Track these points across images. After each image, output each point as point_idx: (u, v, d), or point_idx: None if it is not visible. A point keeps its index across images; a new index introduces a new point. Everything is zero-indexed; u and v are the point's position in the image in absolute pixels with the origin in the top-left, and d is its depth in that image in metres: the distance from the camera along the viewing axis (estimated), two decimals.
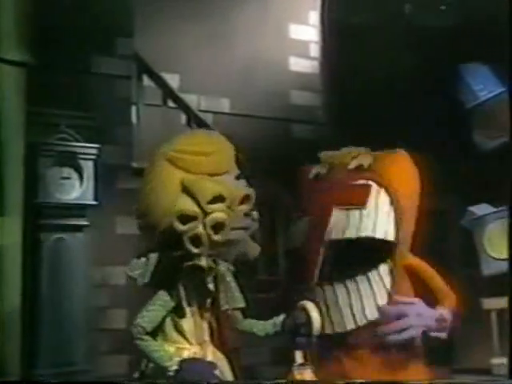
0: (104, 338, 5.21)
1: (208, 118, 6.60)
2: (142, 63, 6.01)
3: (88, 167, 5.12)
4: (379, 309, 3.27)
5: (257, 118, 6.97)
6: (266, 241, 5.84)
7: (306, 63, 7.53)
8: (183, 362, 2.75)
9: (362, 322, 3.30)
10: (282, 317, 3.07)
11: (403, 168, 3.48)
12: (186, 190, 2.79)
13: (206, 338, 2.90)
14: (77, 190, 5.09)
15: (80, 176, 5.10)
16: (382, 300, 3.30)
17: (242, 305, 2.96)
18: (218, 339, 2.92)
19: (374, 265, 3.31)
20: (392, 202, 3.34)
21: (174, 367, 2.73)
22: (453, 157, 5.23)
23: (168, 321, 2.86)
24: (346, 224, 3.30)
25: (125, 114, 5.74)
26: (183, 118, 6.34)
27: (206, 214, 2.77)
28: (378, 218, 3.30)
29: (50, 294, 4.90)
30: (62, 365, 4.82)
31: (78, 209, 5.09)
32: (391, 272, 3.33)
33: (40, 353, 4.81)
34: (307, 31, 7.57)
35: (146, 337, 2.77)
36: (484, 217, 5.98)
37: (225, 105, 7.07)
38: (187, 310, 2.86)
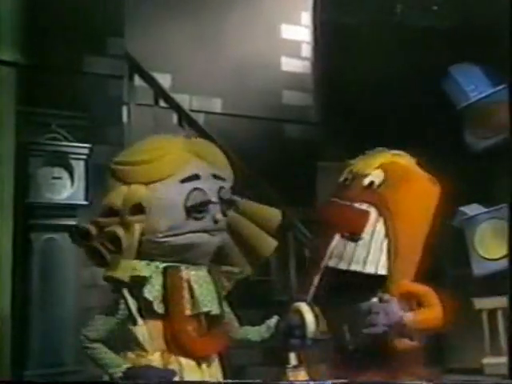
0: None
1: (200, 118, 6.59)
2: (133, 63, 5.99)
3: (79, 167, 5.10)
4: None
5: (249, 117, 6.97)
6: None
7: (297, 63, 7.53)
8: (130, 369, 2.75)
9: None
10: (275, 319, 3.04)
11: (414, 192, 3.32)
12: None
13: (164, 345, 2.84)
14: (68, 189, 5.07)
15: (71, 176, 5.08)
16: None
17: (206, 309, 2.87)
18: (185, 346, 2.83)
19: (366, 297, 3.23)
20: (387, 234, 3.23)
21: (119, 374, 2.74)
22: (444, 157, 5.22)
23: (126, 329, 2.84)
24: (342, 253, 3.23)
25: (116, 114, 5.72)
26: (175, 117, 6.33)
27: (100, 228, 2.81)
28: (371, 250, 3.21)
29: (41, 294, 4.87)
30: (53, 365, 4.81)
31: (68, 209, 5.06)
32: None
33: (30, 353, 4.80)
34: (299, 31, 7.57)
35: (92, 345, 2.79)
36: (475, 217, 5.99)
37: (217, 105, 7.06)
38: (138, 317, 2.82)
